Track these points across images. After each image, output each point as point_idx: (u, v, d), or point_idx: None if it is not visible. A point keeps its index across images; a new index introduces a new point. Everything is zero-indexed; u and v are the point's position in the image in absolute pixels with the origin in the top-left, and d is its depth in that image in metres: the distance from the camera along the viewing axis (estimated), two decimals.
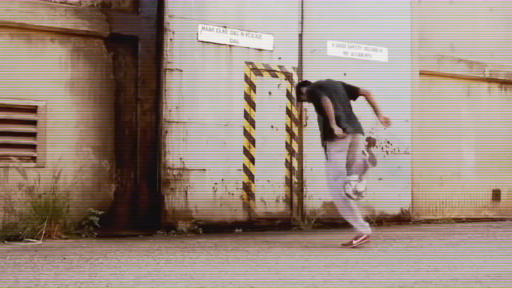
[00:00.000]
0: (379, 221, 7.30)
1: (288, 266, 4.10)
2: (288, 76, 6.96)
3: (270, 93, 6.85)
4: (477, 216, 8.56)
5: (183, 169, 6.29)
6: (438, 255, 4.83)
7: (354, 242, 5.15)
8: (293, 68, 7.00)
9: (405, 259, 4.48)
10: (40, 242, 5.23)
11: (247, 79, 6.72)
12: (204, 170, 6.40)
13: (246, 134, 6.68)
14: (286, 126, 6.93)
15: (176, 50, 6.32)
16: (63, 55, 6.17)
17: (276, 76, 6.90)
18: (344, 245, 5.19)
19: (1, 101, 5.83)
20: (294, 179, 6.92)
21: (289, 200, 6.88)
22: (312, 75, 7.06)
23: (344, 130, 5.19)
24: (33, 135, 5.98)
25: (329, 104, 5.13)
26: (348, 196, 5.15)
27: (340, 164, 5.26)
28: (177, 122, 6.31)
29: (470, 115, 8.63)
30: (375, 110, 5.46)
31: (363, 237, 5.16)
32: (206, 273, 3.76)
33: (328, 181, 5.34)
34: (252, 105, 6.73)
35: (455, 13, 8.57)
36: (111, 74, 6.41)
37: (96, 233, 5.71)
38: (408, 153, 7.55)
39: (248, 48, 6.74)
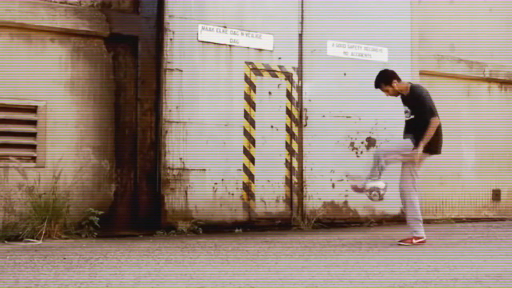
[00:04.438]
0: (379, 221, 7.31)
1: (288, 266, 4.10)
2: (288, 76, 6.96)
3: (270, 93, 6.85)
4: (477, 216, 8.56)
5: (183, 169, 6.29)
6: (438, 255, 4.83)
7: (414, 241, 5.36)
8: (293, 68, 6.99)
9: (405, 259, 4.47)
10: (40, 242, 5.23)
11: (247, 79, 6.72)
12: (204, 170, 6.40)
13: (246, 134, 6.68)
14: (286, 126, 6.93)
15: (176, 50, 6.32)
16: (63, 55, 6.17)
17: (276, 76, 6.90)
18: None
19: (1, 101, 5.83)
20: (294, 179, 6.92)
21: (289, 200, 6.88)
22: (312, 75, 7.11)
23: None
24: (33, 135, 5.98)
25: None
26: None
27: None
28: (177, 122, 6.31)
29: (470, 115, 8.63)
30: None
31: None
32: (206, 273, 3.76)
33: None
34: (252, 105, 6.73)
35: (455, 13, 8.57)
36: (111, 74, 6.41)
37: (96, 233, 5.71)
38: None
39: (248, 48, 6.74)
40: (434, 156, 5.56)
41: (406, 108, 5.48)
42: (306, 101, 7.04)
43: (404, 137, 5.50)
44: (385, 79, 5.49)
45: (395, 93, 5.52)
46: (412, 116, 5.41)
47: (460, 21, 8.59)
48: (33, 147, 5.97)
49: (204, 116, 6.45)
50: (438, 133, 5.39)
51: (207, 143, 6.44)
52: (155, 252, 4.73)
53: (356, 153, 7.30)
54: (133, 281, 3.47)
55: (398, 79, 5.50)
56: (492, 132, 8.72)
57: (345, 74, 7.26)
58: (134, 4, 6.51)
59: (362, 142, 7.33)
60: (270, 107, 6.84)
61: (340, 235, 6.15)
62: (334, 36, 7.24)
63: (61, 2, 6.14)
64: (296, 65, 7.02)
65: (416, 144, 5.30)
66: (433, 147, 5.40)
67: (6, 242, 5.26)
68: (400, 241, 5.40)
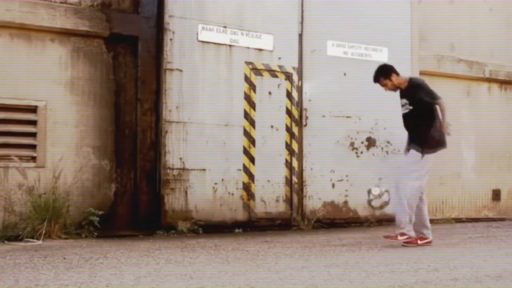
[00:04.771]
0: (379, 221, 7.30)
1: (288, 266, 4.10)
2: (288, 76, 6.96)
3: (270, 93, 6.85)
4: (477, 216, 8.56)
5: (183, 169, 6.29)
6: (438, 255, 4.83)
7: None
8: (293, 68, 6.99)
9: (405, 259, 4.48)
10: (40, 242, 5.23)
11: (247, 79, 6.72)
12: (204, 170, 6.40)
13: (246, 134, 6.68)
14: (286, 126, 6.93)
15: (176, 50, 6.32)
16: (63, 55, 6.17)
17: (276, 76, 6.90)
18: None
19: (1, 101, 5.83)
20: (294, 179, 6.92)
21: (289, 200, 6.88)
22: (312, 75, 7.10)
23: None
24: (33, 135, 5.98)
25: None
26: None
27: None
28: (177, 122, 6.31)
29: (470, 115, 8.63)
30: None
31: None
32: (206, 273, 3.76)
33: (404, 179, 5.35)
34: (252, 105, 6.73)
35: (455, 13, 8.57)
36: (111, 74, 6.41)
37: (96, 233, 5.71)
38: None
39: (248, 48, 6.74)
40: (435, 156, 5.53)
41: (405, 100, 5.49)
42: (306, 101, 7.04)
43: (407, 150, 5.49)
44: (384, 73, 5.52)
45: (394, 88, 5.54)
46: (411, 107, 5.42)
47: (460, 21, 8.59)
48: (33, 147, 5.97)
49: (204, 116, 6.45)
50: (436, 126, 5.40)
51: (207, 143, 6.44)
52: (155, 252, 4.73)
53: (356, 153, 7.30)
54: (133, 281, 3.47)
55: (397, 73, 5.54)
56: (492, 132, 8.71)
57: (345, 74, 7.26)
58: (134, 4, 6.51)
59: (362, 142, 7.33)
60: (270, 107, 6.84)
61: (340, 235, 6.15)
62: (334, 36, 7.23)
63: (61, 2, 6.14)
64: (296, 65, 7.02)
65: (421, 148, 5.30)
66: (441, 143, 5.44)
67: (6, 242, 5.26)
68: (405, 242, 5.36)
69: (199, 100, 6.44)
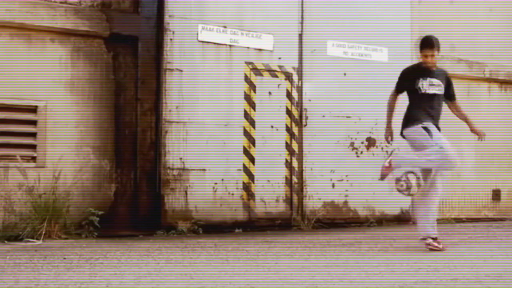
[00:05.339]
0: (379, 221, 7.30)
1: (288, 266, 4.10)
2: (288, 76, 6.96)
3: (270, 93, 6.85)
4: (477, 216, 8.56)
5: (183, 169, 6.29)
6: (438, 255, 4.83)
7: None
8: (293, 68, 7.00)
9: (405, 259, 4.48)
10: (40, 242, 5.23)
11: (247, 79, 6.72)
12: (204, 170, 6.40)
13: (246, 134, 6.68)
14: (286, 126, 6.93)
15: (176, 50, 6.32)
16: (63, 55, 6.17)
17: (276, 76, 6.90)
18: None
19: (1, 101, 5.84)
20: (294, 179, 6.92)
21: (289, 200, 6.88)
22: (312, 75, 7.11)
23: None
24: (33, 135, 5.98)
25: None
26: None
27: None
28: (177, 122, 6.31)
29: (470, 115, 8.61)
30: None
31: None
32: (206, 273, 3.76)
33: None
34: (252, 105, 6.73)
35: (455, 13, 8.56)
36: (111, 74, 6.41)
37: (96, 233, 5.71)
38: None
39: (248, 48, 6.74)
40: None
41: (439, 81, 5.30)
42: (306, 101, 7.05)
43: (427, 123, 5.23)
44: (438, 46, 5.33)
45: (433, 63, 5.29)
46: (441, 93, 5.30)
47: (460, 21, 8.58)
48: (33, 147, 5.97)
49: (204, 116, 6.45)
50: None
51: (207, 143, 6.44)
52: (155, 252, 4.72)
53: (356, 153, 7.30)
54: (133, 281, 3.47)
55: None
56: (492, 132, 8.68)
57: (345, 74, 7.26)
58: (134, 4, 6.51)
59: (362, 142, 7.33)
60: (270, 107, 6.84)
61: (340, 235, 6.15)
62: (334, 36, 7.24)
63: (61, 2, 6.14)
64: (296, 65, 7.02)
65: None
66: None
67: (6, 242, 5.26)
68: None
69: (199, 100, 6.44)
